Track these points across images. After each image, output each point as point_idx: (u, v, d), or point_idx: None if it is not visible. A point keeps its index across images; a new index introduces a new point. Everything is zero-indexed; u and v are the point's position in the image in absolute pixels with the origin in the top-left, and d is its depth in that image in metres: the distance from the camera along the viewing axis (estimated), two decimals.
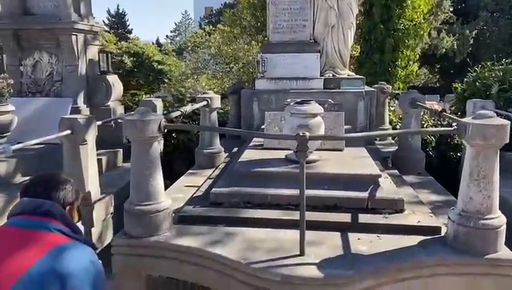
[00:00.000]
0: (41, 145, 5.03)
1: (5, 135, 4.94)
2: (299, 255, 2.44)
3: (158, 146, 2.73)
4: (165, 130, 2.67)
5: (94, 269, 1.43)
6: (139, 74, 10.16)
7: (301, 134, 2.36)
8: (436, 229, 2.75)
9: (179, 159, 6.18)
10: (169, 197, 2.85)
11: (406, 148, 4.34)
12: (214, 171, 4.13)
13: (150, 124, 2.58)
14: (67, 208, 1.57)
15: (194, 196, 3.35)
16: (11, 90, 5.01)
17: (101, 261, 1.50)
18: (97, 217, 3.82)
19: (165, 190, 3.75)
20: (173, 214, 3.01)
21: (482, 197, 2.44)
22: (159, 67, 10.51)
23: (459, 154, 5.97)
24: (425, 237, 2.67)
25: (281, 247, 2.55)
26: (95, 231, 3.77)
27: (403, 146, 4.40)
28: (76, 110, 5.39)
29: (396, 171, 4.05)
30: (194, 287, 2.66)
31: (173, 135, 6.23)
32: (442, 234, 2.71)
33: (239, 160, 3.49)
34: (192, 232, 2.76)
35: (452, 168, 5.77)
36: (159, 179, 2.72)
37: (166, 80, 10.49)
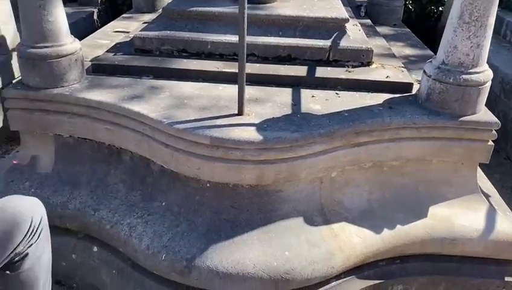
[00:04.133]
0: None
1: None
2: (237, 115, 1.96)
3: None
4: None
5: None
6: None
7: None
8: (407, 86, 2.28)
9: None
10: (77, 41, 2.20)
11: None
12: (154, 16, 3.40)
13: None
14: None
15: (119, 42, 2.70)
16: None
17: None
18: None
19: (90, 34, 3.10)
20: (90, 63, 2.42)
21: (469, 46, 1.92)
22: None
23: (440, 8, 5.40)
24: (393, 96, 2.22)
25: (216, 105, 2.05)
26: None
27: None
28: None
29: (369, 21, 3.43)
30: (111, 149, 2.21)
31: None
32: (414, 92, 2.26)
33: None
34: (108, 85, 2.20)
35: (431, 25, 5.29)
36: (58, 14, 2.04)
37: None
